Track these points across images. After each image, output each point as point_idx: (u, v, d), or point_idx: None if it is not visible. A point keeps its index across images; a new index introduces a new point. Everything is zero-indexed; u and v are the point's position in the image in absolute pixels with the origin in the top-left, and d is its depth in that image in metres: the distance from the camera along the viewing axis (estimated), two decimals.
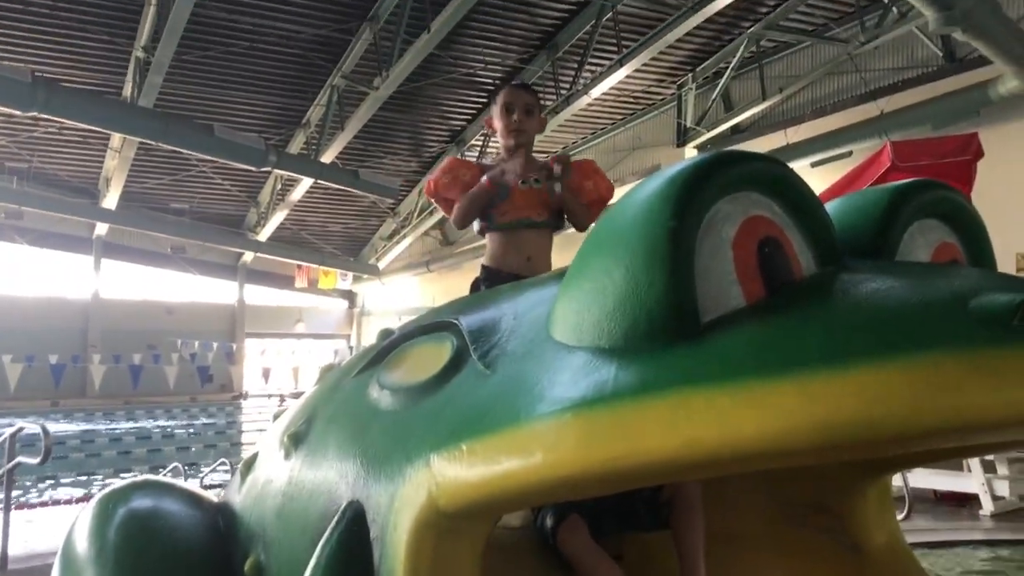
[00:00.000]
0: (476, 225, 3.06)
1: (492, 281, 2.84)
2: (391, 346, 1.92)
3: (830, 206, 1.57)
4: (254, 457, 2.36)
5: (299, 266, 26.99)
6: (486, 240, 3.04)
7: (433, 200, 3.19)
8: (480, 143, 19.47)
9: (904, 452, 1.64)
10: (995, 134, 12.51)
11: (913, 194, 1.60)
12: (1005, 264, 10.65)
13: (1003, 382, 1.07)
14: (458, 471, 1.41)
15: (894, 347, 1.11)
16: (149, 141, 14.83)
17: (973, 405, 1.07)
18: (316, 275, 27.31)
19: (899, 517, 6.12)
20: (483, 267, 3.00)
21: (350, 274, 27.60)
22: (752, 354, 1.20)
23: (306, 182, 18.70)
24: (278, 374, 24.26)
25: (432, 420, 1.54)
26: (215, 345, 24.00)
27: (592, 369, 1.33)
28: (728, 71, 17.12)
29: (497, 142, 3.18)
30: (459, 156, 13.86)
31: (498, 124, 3.08)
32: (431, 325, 1.85)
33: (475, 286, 2.93)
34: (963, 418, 1.08)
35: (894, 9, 14.13)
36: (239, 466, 2.46)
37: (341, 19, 14.38)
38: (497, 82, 17.09)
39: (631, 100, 18.98)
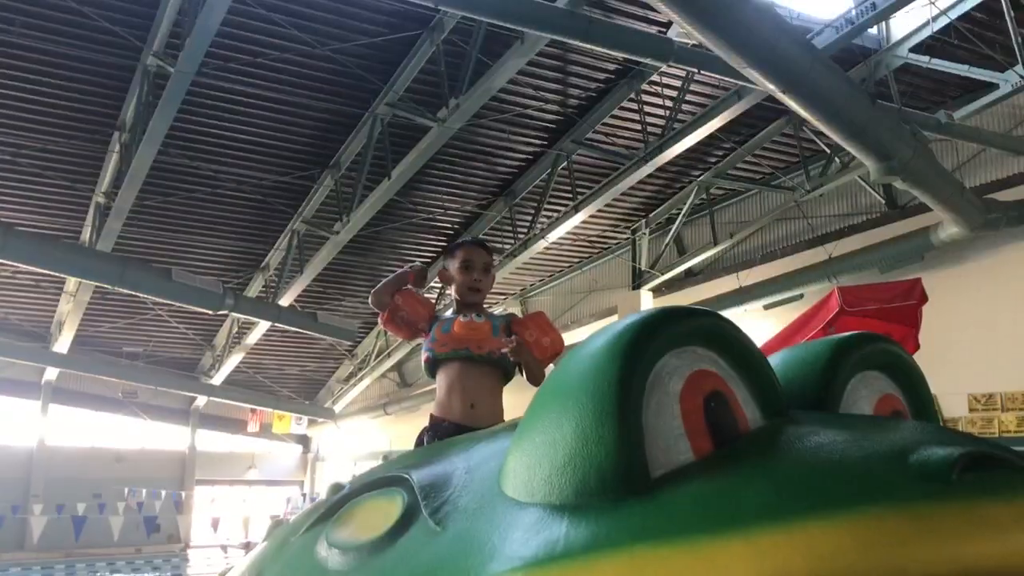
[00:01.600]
0: (423, 358, 3.13)
1: (435, 431, 2.85)
2: (340, 502, 1.88)
3: (774, 359, 1.61)
4: None
5: (253, 410, 26.51)
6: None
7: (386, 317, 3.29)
8: (439, 286, 19.67)
9: None
10: (940, 278, 12.95)
11: (854, 347, 1.65)
12: (958, 404, 10.81)
13: (944, 537, 1.09)
14: None
15: (839, 502, 1.13)
16: (106, 285, 14.78)
17: (917, 560, 1.08)
18: (270, 419, 26.81)
19: None
20: (430, 416, 3.02)
21: (305, 418, 27.15)
22: (701, 510, 1.21)
23: (263, 325, 18.64)
24: (228, 523, 23.43)
25: None
26: (163, 493, 23.20)
27: (543, 526, 1.32)
28: (680, 217, 17.65)
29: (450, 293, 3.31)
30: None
31: (456, 278, 3.18)
32: (381, 479, 1.83)
33: (420, 437, 2.94)
34: (907, 573, 1.09)
35: (837, 159, 14.82)
36: None
37: (303, 166, 14.70)
38: (456, 227, 17.43)
39: (587, 244, 19.42)
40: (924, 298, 7.22)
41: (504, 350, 3.02)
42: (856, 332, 1.72)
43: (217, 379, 23.01)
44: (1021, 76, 10.92)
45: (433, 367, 3.12)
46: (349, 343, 22.67)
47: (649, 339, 1.38)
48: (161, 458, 26.39)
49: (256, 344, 20.85)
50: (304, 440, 29.75)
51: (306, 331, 18.36)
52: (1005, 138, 13.24)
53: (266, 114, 13.39)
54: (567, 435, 1.35)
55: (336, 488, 2.03)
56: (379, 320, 3.32)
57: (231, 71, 12.12)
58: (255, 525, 22.53)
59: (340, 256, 16.63)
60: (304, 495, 27.34)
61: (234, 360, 21.79)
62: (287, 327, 18.23)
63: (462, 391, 2.97)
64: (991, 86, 11.63)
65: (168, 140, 12.43)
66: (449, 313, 3.22)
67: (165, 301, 16.54)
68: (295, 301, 18.08)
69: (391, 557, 1.54)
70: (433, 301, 3.49)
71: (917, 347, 6.88)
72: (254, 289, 18.57)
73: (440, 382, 3.06)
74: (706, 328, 1.44)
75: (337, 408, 26.21)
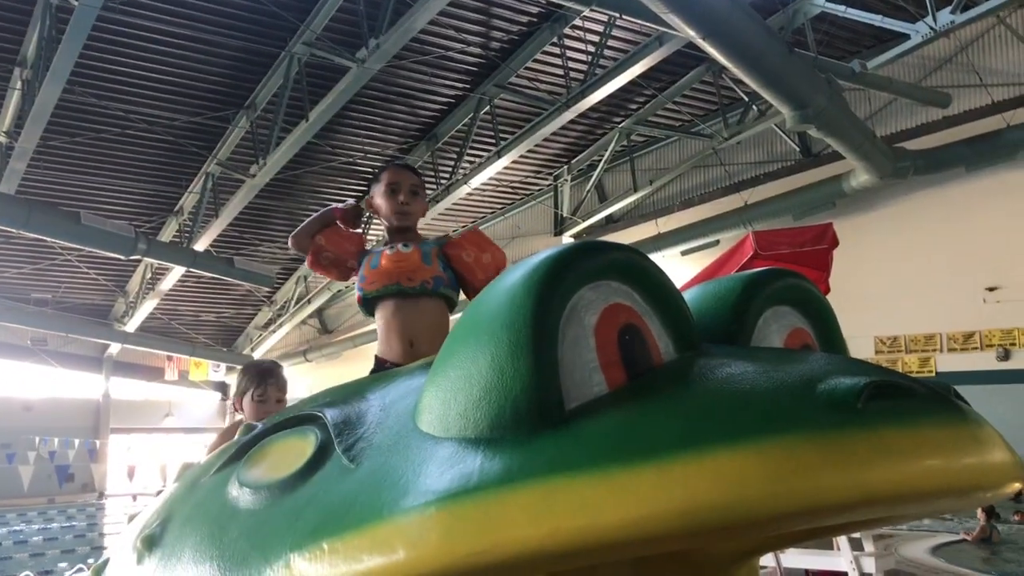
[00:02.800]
0: (356, 298, 2.96)
1: None
2: (252, 441, 1.84)
3: (688, 294, 1.62)
4: (104, 563, 2.21)
5: (169, 357, 25.98)
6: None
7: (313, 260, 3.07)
8: (360, 232, 19.43)
9: (766, 535, 1.67)
10: (850, 224, 13.29)
11: (765, 282, 1.66)
12: (865, 347, 11.22)
13: (850, 463, 1.11)
14: (319, 572, 1.35)
15: (749, 431, 1.14)
16: (10, 229, 14.19)
17: (824, 487, 1.11)
18: (187, 367, 26.31)
19: None
20: (375, 358, 2.86)
21: (223, 365, 26.73)
22: (614, 441, 1.21)
23: (178, 270, 18.19)
24: (144, 471, 23.03)
25: (293, 519, 1.48)
26: (76, 442, 22.63)
27: (457, 460, 1.31)
28: (601, 163, 17.73)
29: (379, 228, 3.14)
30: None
31: (382, 204, 2.96)
32: (295, 418, 1.79)
33: None
34: (815, 500, 1.11)
35: (754, 107, 15.01)
36: (88, 573, 2.29)
37: (217, 107, 14.25)
38: (377, 171, 17.18)
39: (510, 190, 19.38)
40: (835, 242, 7.39)
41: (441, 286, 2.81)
42: (767, 268, 1.74)
43: (131, 326, 22.43)
44: (931, 27, 11.16)
45: (369, 306, 2.88)
46: (268, 289, 22.30)
47: (565, 272, 1.37)
48: (73, 407, 25.71)
49: (171, 290, 20.36)
50: (222, 387, 29.33)
51: (223, 277, 18.00)
52: (915, 88, 13.58)
53: (178, 52, 12.90)
54: (483, 369, 1.34)
55: (248, 428, 1.99)
56: (307, 263, 3.11)
57: (140, 6, 11.62)
58: (172, 473, 22.18)
59: (257, 200, 16.26)
60: None
61: (148, 306, 21.26)
62: (203, 273, 17.84)
63: (399, 329, 2.74)
64: (903, 36, 11.86)
65: (74, 78, 11.89)
66: (382, 246, 2.96)
67: (74, 246, 15.97)
68: (211, 246, 17.66)
69: (303, 495, 1.51)
70: (362, 235, 3.14)
71: (827, 290, 7.05)
72: (168, 233, 18.07)
73: (378, 322, 2.83)
74: (621, 262, 1.44)
75: (256, 355, 25.85)
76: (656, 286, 1.46)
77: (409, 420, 1.49)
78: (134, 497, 20.27)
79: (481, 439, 1.32)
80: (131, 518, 2.40)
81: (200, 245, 17.05)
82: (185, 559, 1.70)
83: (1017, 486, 1.33)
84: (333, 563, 1.34)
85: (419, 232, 3.07)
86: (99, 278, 20.88)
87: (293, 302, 23.25)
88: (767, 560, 6.73)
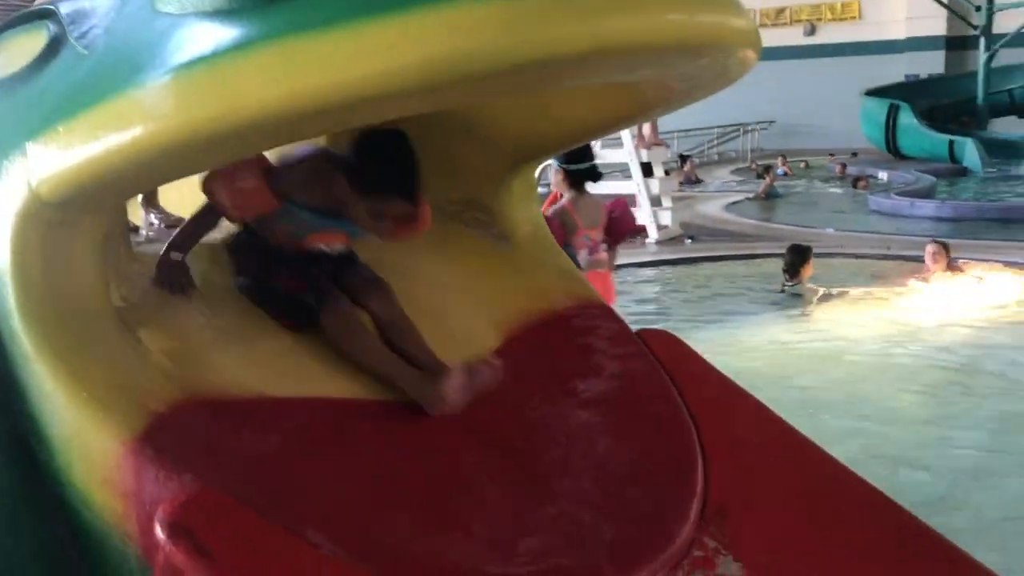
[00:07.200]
0: None
1: None
2: None
3: None
4: None
5: None
6: None
7: None
8: None
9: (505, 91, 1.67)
10: None
11: None
12: None
13: (586, 13, 1.10)
14: (55, 155, 1.30)
15: None
16: None
17: (558, 36, 1.10)
18: None
19: None
20: None
21: None
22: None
23: None
24: None
25: (26, 109, 1.40)
26: None
27: (194, 33, 1.23)
28: None
29: None
30: None
31: None
32: (25, 15, 1.65)
33: None
34: (549, 49, 1.10)
35: None
36: None
37: None
38: None
39: None
40: None
41: None
42: None
43: None
44: None
45: None
46: None
47: None
48: None
49: None
50: None
51: None
52: None
53: None
54: None
55: None
56: None
57: None
58: None
59: None
60: None
61: None
62: None
63: None
64: None
65: None
66: None
67: None
68: None
69: (36, 86, 1.43)
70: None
71: None
72: None
73: None
74: None
75: None
76: None
77: (147, 2, 1.38)
78: None
79: (220, 11, 1.23)
80: None
81: None
82: None
83: (752, 54, 1.39)
84: (69, 143, 1.28)
85: None
86: None
87: None
88: None
